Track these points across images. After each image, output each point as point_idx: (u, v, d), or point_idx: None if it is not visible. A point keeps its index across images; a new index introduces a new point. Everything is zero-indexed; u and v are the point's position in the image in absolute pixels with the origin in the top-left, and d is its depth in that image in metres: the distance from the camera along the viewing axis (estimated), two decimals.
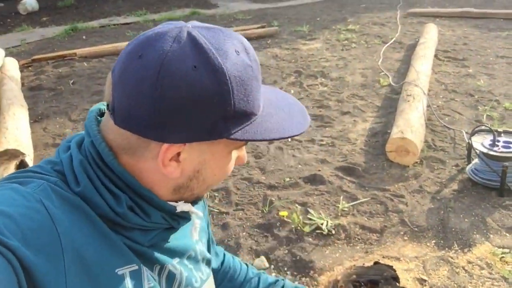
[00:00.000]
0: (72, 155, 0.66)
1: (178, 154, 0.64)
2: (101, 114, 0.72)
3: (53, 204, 0.59)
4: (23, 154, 2.88)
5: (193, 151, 0.65)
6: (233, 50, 0.62)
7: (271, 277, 1.12)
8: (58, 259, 0.56)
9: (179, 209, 0.70)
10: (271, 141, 0.74)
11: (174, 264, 0.73)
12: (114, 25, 8.10)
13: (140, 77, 0.59)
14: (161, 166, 0.64)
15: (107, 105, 0.66)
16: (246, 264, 1.13)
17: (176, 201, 0.71)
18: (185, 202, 0.72)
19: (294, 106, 0.74)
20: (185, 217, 0.74)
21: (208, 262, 0.86)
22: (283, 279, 1.12)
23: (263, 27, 6.93)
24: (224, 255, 1.10)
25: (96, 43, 6.58)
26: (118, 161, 0.65)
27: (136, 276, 0.65)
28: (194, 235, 0.78)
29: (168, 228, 0.73)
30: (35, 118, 4.01)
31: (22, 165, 2.87)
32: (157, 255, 0.70)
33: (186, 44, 0.60)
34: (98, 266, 0.60)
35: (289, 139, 3.40)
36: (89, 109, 0.72)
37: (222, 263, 1.08)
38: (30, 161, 2.95)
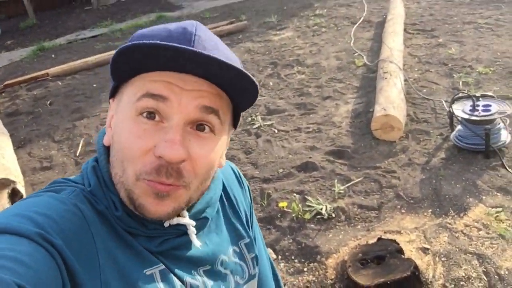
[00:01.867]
0: (88, 162, 0.71)
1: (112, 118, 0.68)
2: None
3: (87, 208, 0.63)
4: (13, 182, 2.86)
5: (116, 113, 0.67)
6: (162, 26, 0.66)
7: None
8: (94, 259, 0.60)
9: (166, 224, 0.68)
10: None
11: (194, 276, 0.70)
12: (81, 39, 7.99)
13: None
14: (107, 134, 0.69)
15: None
16: None
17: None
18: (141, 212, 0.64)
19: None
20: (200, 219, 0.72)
21: (254, 259, 0.84)
22: None
23: (232, 22, 6.94)
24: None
25: (67, 60, 6.48)
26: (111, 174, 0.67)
27: (166, 276, 0.66)
28: (195, 242, 0.71)
29: (183, 235, 0.70)
30: (18, 144, 3.96)
31: (14, 193, 2.85)
32: (174, 269, 0.68)
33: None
34: (128, 267, 0.63)
35: (276, 131, 3.44)
36: None
37: None
38: (21, 187, 2.93)
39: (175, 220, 0.68)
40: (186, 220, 0.69)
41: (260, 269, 0.89)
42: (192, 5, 9.52)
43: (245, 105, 0.70)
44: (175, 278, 0.67)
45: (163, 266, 0.66)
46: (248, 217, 0.89)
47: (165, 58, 0.59)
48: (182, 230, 0.70)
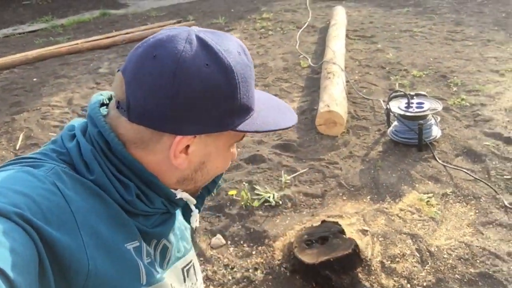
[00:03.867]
0: (80, 144, 0.70)
1: (187, 146, 0.69)
2: (101, 104, 0.75)
3: (65, 186, 0.64)
4: None
5: (201, 144, 0.70)
6: (236, 51, 0.70)
7: None
8: (76, 235, 0.61)
9: (178, 196, 0.76)
10: (266, 132, 0.80)
11: (168, 238, 0.80)
12: (19, 34, 7.63)
13: (157, 75, 0.65)
14: (172, 157, 0.69)
15: (118, 102, 0.70)
16: None
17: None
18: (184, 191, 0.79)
19: (280, 104, 0.83)
20: (179, 204, 0.81)
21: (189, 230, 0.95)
22: None
23: (179, 22, 6.94)
24: None
25: (4, 54, 6.17)
26: (126, 150, 0.70)
27: (138, 252, 0.71)
28: (193, 222, 0.86)
29: (165, 212, 0.79)
30: None
31: None
32: (155, 233, 0.76)
33: (196, 45, 0.68)
34: (112, 240, 0.66)
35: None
36: (90, 100, 0.75)
37: None
38: None
39: (184, 195, 0.79)
40: (190, 197, 0.82)
41: None
42: (137, 4, 9.39)
43: None
44: (144, 255, 0.72)
45: (138, 243, 0.70)
46: None
47: None
48: (175, 208, 0.81)
